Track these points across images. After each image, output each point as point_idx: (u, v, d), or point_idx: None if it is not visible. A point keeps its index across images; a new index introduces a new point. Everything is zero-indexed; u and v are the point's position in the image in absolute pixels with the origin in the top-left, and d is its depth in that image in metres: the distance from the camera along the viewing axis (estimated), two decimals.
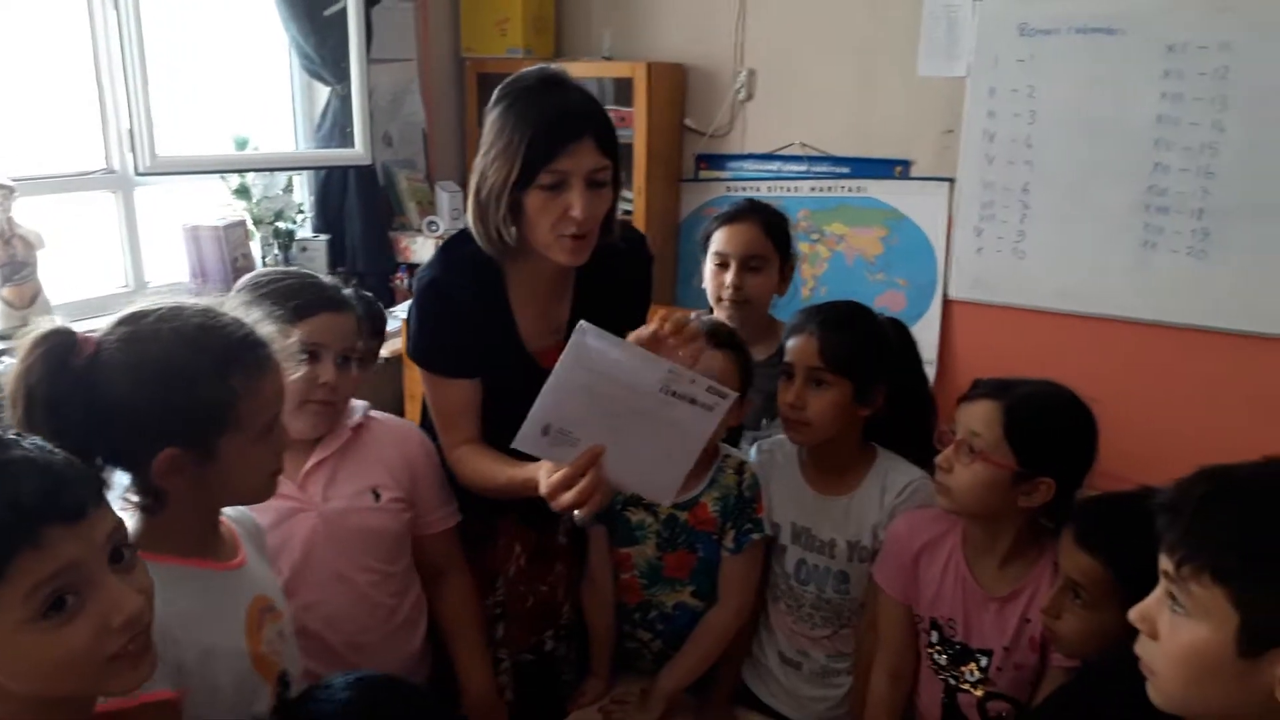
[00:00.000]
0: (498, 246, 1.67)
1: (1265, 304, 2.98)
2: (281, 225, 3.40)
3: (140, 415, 1.13)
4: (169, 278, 3.18)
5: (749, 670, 1.99)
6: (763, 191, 3.67)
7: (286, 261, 3.37)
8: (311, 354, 1.60)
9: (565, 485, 1.45)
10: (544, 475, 1.49)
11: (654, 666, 1.92)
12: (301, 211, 3.52)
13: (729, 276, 2.21)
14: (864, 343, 1.79)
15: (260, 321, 1.26)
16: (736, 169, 3.80)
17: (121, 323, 1.17)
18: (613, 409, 1.44)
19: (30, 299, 2.63)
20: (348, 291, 1.73)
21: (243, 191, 3.31)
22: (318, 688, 1.28)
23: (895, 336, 1.91)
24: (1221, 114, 2.94)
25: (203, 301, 1.23)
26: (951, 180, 3.41)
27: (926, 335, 3.44)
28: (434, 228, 3.67)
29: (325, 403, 1.64)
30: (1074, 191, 3.19)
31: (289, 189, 3.47)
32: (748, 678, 1.99)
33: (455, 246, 1.77)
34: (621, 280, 1.84)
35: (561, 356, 1.43)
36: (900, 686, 1.78)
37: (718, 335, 1.78)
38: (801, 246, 3.59)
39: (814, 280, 3.68)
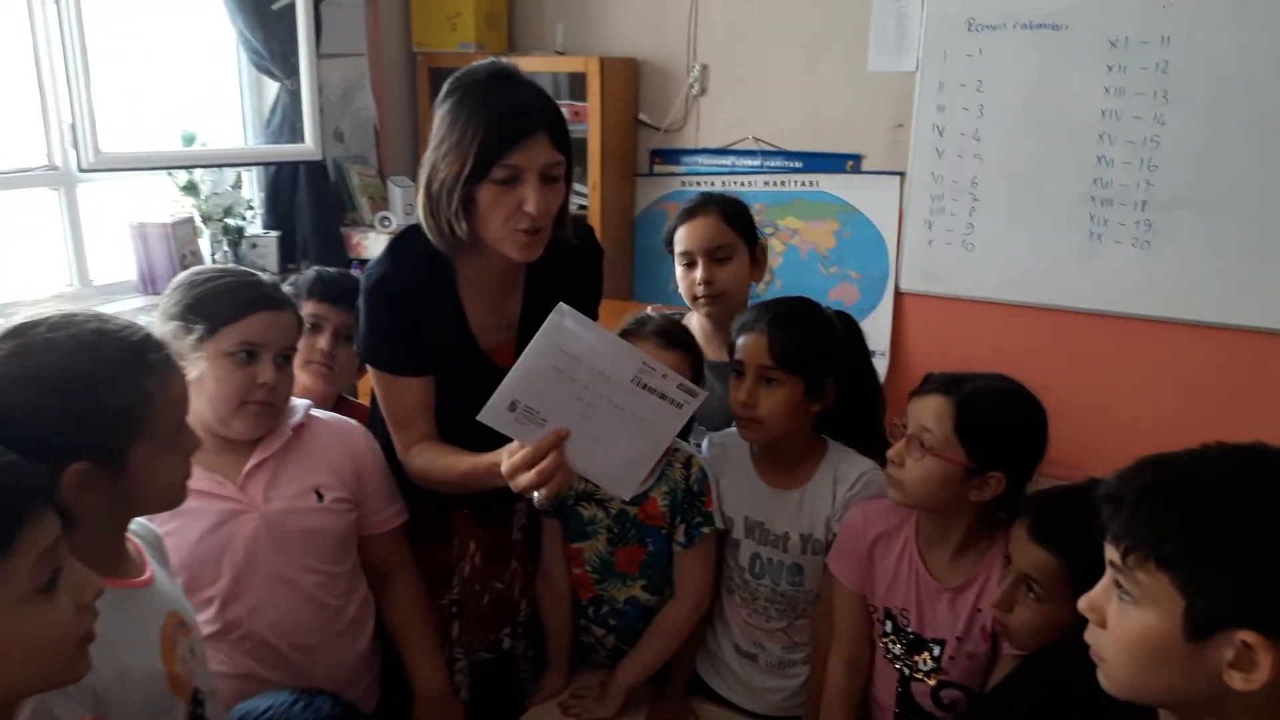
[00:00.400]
0: (449, 241, 1.65)
1: (1206, 294, 3.05)
2: (231, 222, 3.34)
3: (43, 430, 1.06)
4: (115, 276, 3.12)
5: (704, 662, 1.99)
6: (717, 186, 3.69)
7: (237, 259, 3.32)
8: (250, 353, 1.58)
9: (527, 465, 1.44)
10: (506, 455, 1.48)
11: (609, 661, 1.92)
12: (251, 208, 3.46)
13: (698, 273, 2.18)
14: (814, 340, 1.79)
15: (153, 323, 1.22)
16: (691, 164, 3.81)
17: (6, 337, 1.11)
18: (582, 394, 1.44)
19: None
20: (288, 287, 1.70)
21: (191, 188, 3.25)
22: None
23: (843, 329, 1.91)
24: (1163, 108, 3.00)
25: (90, 309, 1.19)
26: (902, 174, 3.45)
27: (879, 327, 3.48)
28: (387, 223, 3.64)
29: (264, 403, 1.61)
30: (1021, 184, 3.24)
31: (238, 185, 3.42)
32: (703, 670, 1.99)
33: (404, 242, 1.74)
34: (573, 275, 1.82)
35: (537, 335, 1.43)
36: (856, 676, 1.79)
37: (669, 335, 1.79)
38: None
39: (769, 274, 3.69)
